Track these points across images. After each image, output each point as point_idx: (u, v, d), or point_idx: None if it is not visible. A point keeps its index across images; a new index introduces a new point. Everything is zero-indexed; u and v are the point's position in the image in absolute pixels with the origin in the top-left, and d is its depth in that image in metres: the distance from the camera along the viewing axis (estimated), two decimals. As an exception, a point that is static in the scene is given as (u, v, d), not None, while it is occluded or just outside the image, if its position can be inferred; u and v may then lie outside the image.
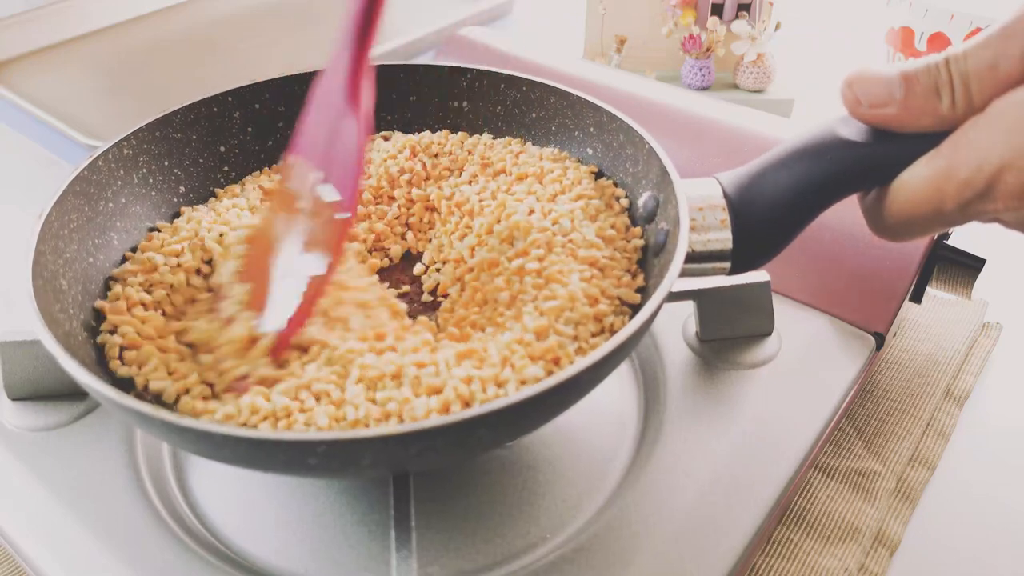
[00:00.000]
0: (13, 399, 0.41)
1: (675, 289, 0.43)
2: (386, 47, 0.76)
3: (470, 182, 0.44)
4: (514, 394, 0.28)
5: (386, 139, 0.47)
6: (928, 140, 0.31)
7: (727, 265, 0.36)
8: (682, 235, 0.33)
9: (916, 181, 0.32)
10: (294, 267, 0.36)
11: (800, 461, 0.38)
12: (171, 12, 0.91)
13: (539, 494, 0.37)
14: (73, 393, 0.41)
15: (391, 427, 0.27)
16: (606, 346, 0.29)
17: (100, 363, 0.34)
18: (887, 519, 0.40)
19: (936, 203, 0.31)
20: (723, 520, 0.35)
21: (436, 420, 0.26)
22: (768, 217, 0.35)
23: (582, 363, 0.28)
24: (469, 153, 0.45)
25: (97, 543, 0.34)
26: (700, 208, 0.36)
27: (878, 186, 0.34)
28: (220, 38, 0.86)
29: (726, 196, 0.36)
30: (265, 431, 0.30)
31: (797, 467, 0.38)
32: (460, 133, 0.47)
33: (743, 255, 0.36)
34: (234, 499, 0.38)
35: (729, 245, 0.36)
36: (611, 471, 0.38)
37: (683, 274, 0.36)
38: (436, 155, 0.46)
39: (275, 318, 0.35)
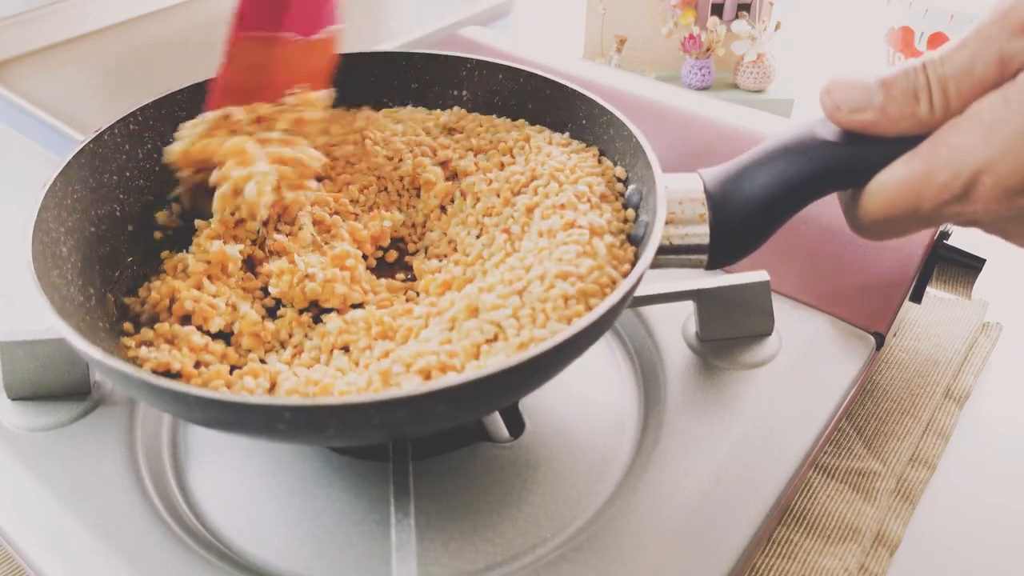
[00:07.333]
0: (13, 399, 0.41)
1: (675, 289, 0.43)
2: (386, 47, 0.76)
3: (476, 167, 0.43)
4: (470, 372, 0.28)
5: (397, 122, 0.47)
6: (907, 142, 0.31)
7: (704, 258, 0.37)
8: (657, 225, 0.33)
9: (894, 182, 0.32)
10: None
11: (800, 461, 0.38)
12: (171, 12, 0.91)
13: (539, 494, 0.37)
14: (73, 393, 0.41)
15: (353, 397, 0.28)
16: (558, 336, 0.29)
17: (93, 329, 0.35)
18: (887, 519, 0.40)
19: (913, 205, 0.31)
20: (723, 520, 0.35)
21: (391, 393, 0.27)
22: (746, 213, 0.36)
23: (540, 347, 0.28)
24: (481, 133, 0.45)
25: (97, 543, 0.34)
26: (680, 201, 0.36)
27: (856, 186, 0.34)
28: (220, 38, 0.86)
29: (707, 191, 0.36)
30: (236, 395, 0.30)
31: (797, 467, 0.38)
32: (473, 113, 0.47)
33: (720, 250, 0.36)
34: (234, 499, 0.38)
35: (706, 240, 0.36)
36: (611, 471, 0.38)
37: (660, 266, 0.36)
38: (451, 132, 0.46)
39: None
